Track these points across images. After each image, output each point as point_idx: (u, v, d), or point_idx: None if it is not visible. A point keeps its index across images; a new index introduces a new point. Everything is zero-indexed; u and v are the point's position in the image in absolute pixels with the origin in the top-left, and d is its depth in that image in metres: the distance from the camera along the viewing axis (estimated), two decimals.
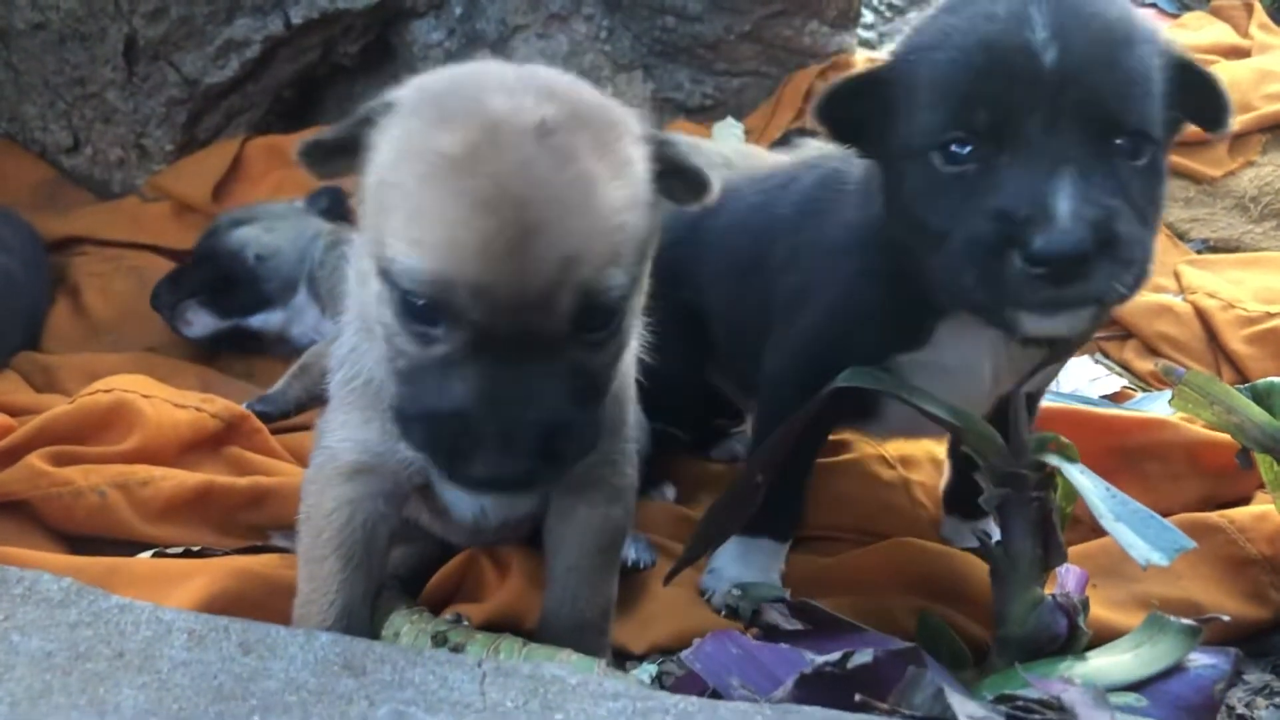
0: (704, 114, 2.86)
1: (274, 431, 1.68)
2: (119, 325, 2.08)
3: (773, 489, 1.22)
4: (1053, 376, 1.46)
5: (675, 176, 0.98)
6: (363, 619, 1.12)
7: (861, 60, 3.10)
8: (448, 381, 0.88)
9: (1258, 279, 2.24)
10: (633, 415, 1.19)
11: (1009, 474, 1.12)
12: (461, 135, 0.85)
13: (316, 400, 1.77)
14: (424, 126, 0.88)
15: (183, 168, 2.51)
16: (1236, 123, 2.66)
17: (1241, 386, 1.30)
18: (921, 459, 1.64)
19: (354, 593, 1.11)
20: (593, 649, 1.11)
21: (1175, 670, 1.02)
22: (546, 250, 0.84)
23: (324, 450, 1.11)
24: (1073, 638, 1.10)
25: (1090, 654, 1.08)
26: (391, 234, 0.88)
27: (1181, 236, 2.53)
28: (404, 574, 1.32)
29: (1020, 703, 0.91)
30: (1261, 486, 1.39)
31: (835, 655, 0.94)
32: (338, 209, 2.05)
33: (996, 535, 1.16)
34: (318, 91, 2.71)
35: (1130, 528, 1.05)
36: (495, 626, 1.18)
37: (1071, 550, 1.34)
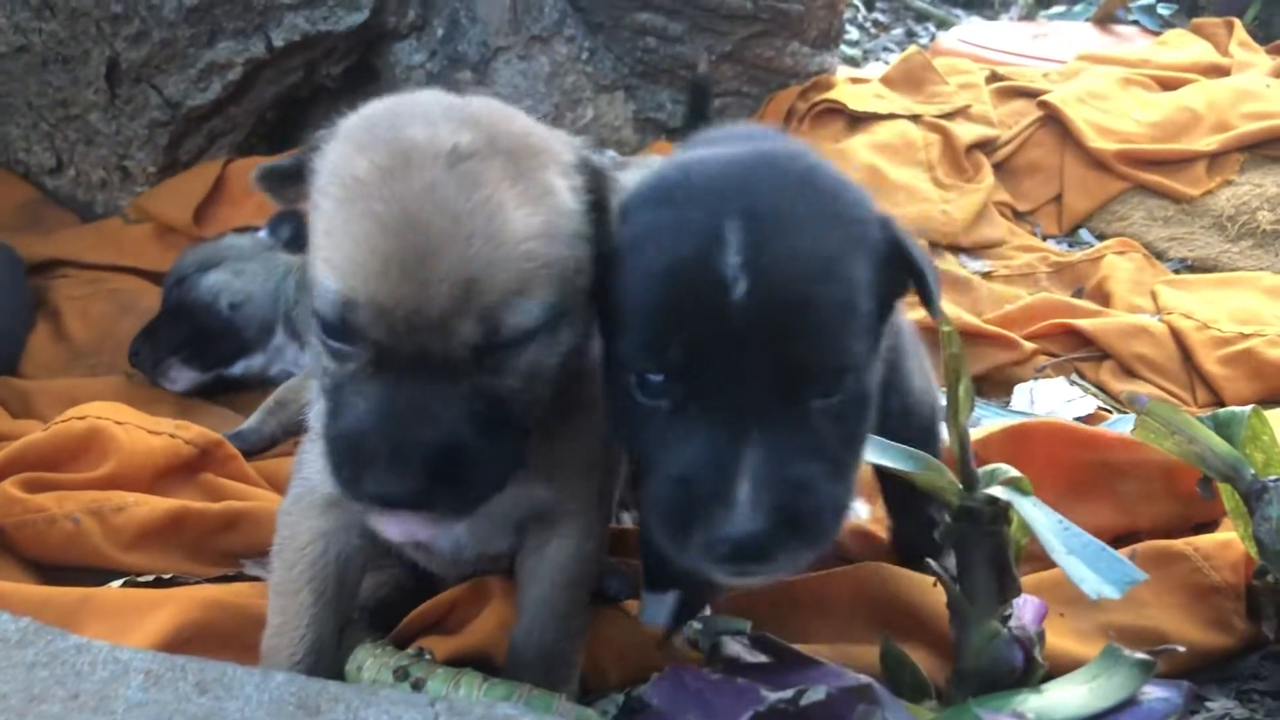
0: (686, 135, 2.88)
1: (248, 456, 1.69)
2: (98, 349, 2.08)
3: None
4: None
5: (607, 215, 0.98)
6: (331, 652, 1.13)
7: (844, 79, 3.13)
8: (352, 399, 0.90)
9: (1233, 299, 2.26)
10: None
11: (963, 508, 1.13)
12: (374, 159, 0.87)
13: (291, 434, 1.78)
14: (348, 152, 0.90)
15: (165, 189, 2.52)
16: (1214, 142, 2.71)
17: (1203, 416, 1.31)
18: None
19: (324, 627, 1.11)
20: (559, 681, 1.12)
21: (1128, 704, 1.03)
22: (445, 273, 0.85)
23: (302, 481, 1.12)
24: (1029, 670, 1.11)
25: (1046, 686, 1.09)
26: (313, 254, 0.91)
27: (1159, 256, 2.55)
28: (374, 606, 1.33)
29: None
30: (1228, 513, 1.40)
31: (789, 692, 0.95)
32: (300, 237, 2.06)
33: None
34: (300, 113, 2.72)
35: (1082, 560, 1.05)
36: (463, 661, 1.18)
37: (1036, 579, 1.36)
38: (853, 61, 3.97)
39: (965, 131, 2.81)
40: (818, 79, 2.98)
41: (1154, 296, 2.31)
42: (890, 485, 1.29)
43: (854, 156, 2.65)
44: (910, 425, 1.24)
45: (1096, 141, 2.76)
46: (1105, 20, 3.91)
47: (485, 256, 0.86)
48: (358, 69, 2.70)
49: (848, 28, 4.13)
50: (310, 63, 2.59)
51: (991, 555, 1.12)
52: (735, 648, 1.08)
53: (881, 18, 4.47)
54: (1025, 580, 1.20)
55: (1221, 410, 1.32)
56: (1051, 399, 1.99)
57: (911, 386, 1.27)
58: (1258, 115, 2.78)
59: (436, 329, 0.86)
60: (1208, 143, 2.73)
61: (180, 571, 1.43)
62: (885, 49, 4.20)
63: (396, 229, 0.85)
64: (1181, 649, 1.15)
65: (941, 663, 1.24)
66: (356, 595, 1.21)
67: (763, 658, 1.10)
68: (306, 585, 1.10)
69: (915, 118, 2.85)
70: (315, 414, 1.09)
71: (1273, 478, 1.24)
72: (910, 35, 4.32)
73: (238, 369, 2.04)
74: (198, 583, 1.38)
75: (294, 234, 2.09)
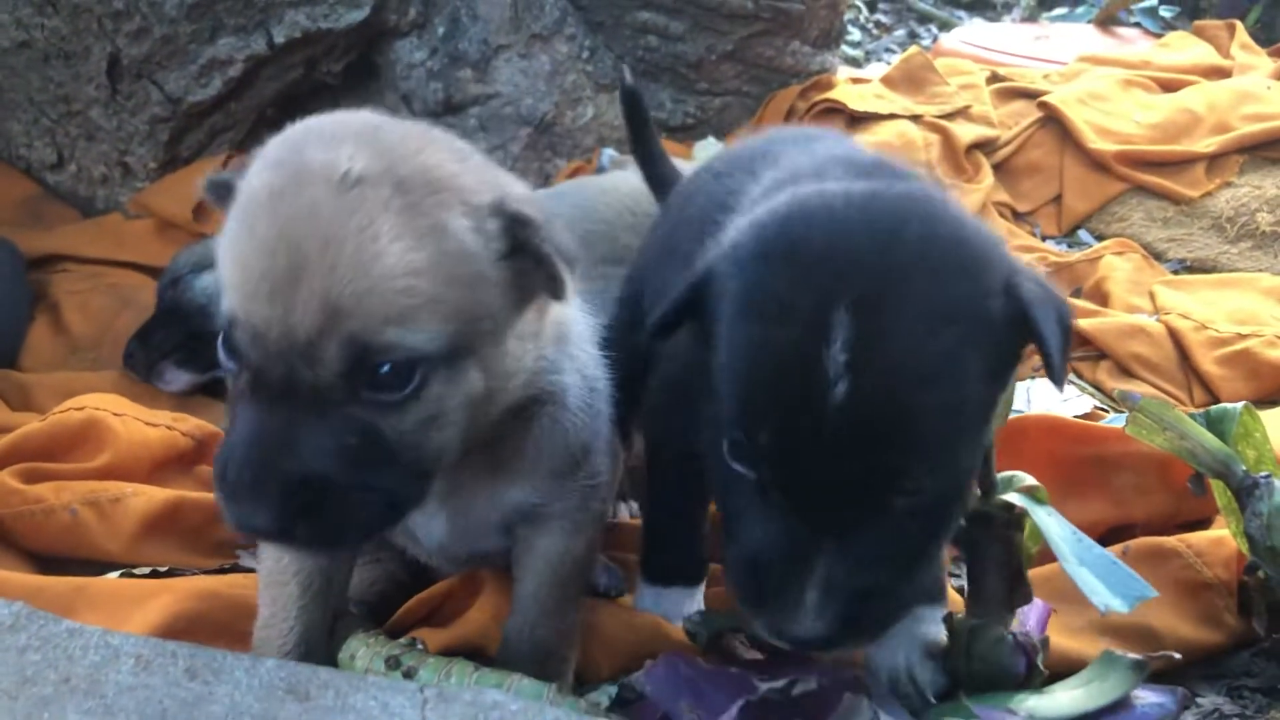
0: (686, 133, 2.88)
1: None
2: (97, 343, 2.09)
3: (667, 539, 1.26)
4: None
5: (531, 261, 0.94)
6: (321, 644, 1.14)
7: (844, 79, 3.13)
8: (234, 420, 0.89)
9: (1231, 300, 2.26)
10: (605, 446, 1.18)
11: (978, 513, 1.12)
12: (271, 179, 0.87)
13: None
14: (257, 169, 0.90)
15: (165, 185, 2.53)
16: (1214, 144, 2.71)
17: (1195, 412, 1.31)
18: None
19: (313, 618, 1.13)
20: (552, 674, 1.12)
21: (1121, 706, 1.03)
22: (310, 296, 0.83)
23: None
24: (1030, 676, 1.11)
25: (1043, 689, 1.09)
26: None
27: (1158, 257, 2.55)
28: (371, 599, 1.33)
29: None
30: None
31: (780, 682, 0.95)
32: None
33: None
34: (301, 110, 2.68)
35: (1093, 573, 1.05)
36: (455, 652, 1.19)
37: (1033, 574, 1.36)
38: (854, 62, 3.97)
39: (965, 132, 2.81)
40: (818, 79, 2.98)
41: (1152, 297, 2.31)
42: None
43: None
44: None
45: (1096, 142, 2.76)
46: (1107, 22, 3.91)
47: (354, 283, 0.84)
48: (359, 66, 2.70)
49: (849, 29, 4.13)
50: (311, 60, 2.60)
51: (1003, 561, 1.12)
52: (734, 643, 1.09)
53: (883, 19, 4.47)
54: None
55: (1213, 407, 1.32)
56: (1048, 397, 2.00)
57: None
58: (1258, 117, 2.78)
59: (303, 354, 0.85)
60: (1207, 144, 2.73)
61: (176, 562, 1.44)
62: (887, 50, 4.20)
63: (272, 249, 0.84)
64: (1177, 656, 1.15)
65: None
66: (346, 588, 1.22)
67: (757, 654, 1.10)
68: (294, 578, 1.12)
69: (915, 118, 2.85)
70: None
71: (1264, 474, 1.24)
72: (912, 36, 4.32)
73: None
74: (194, 574, 1.39)
75: None
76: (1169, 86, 3.07)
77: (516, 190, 0.97)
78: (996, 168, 2.79)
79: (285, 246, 0.84)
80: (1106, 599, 1.02)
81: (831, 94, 2.92)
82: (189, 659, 0.92)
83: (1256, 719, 1.22)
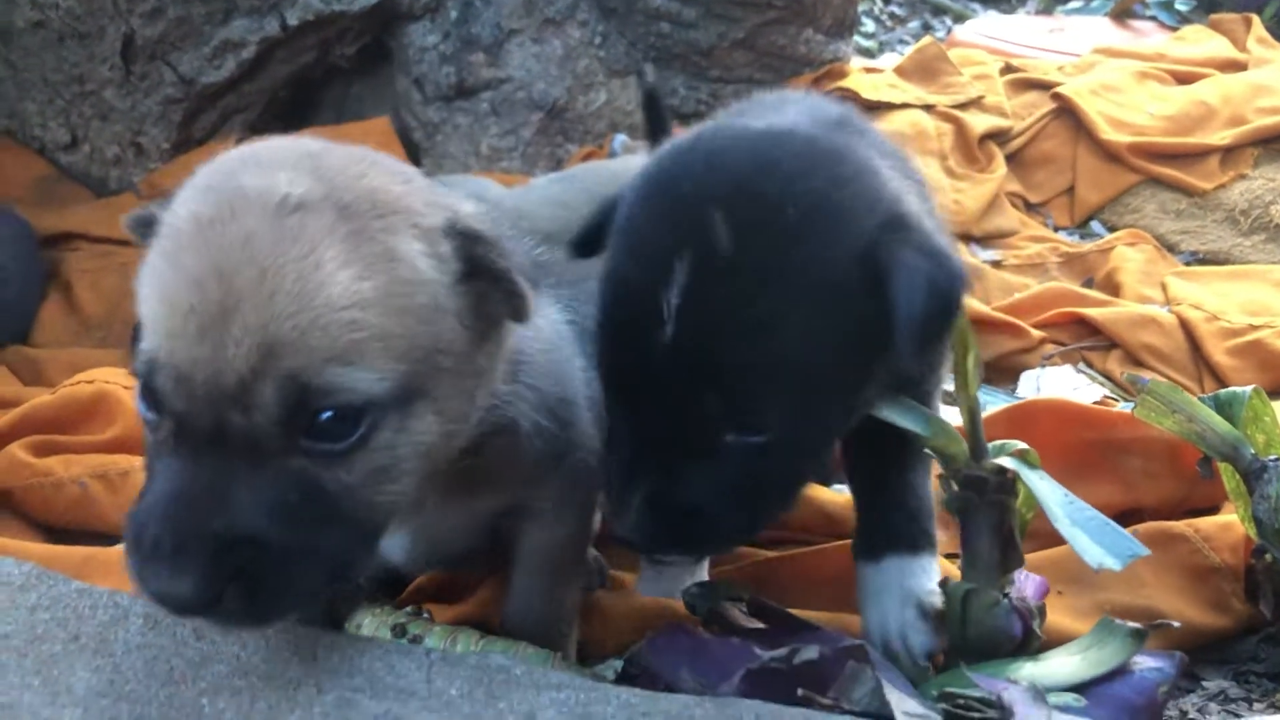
0: (698, 120, 2.87)
1: None
2: (108, 321, 2.10)
3: None
4: None
5: (489, 280, 0.87)
6: (321, 618, 1.13)
7: (857, 69, 3.13)
8: (152, 476, 0.80)
9: (1243, 291, 2.25)
10: (584, 439, 1.13)
11: (971, 477, 1.13)
12: (197, 208, 0.79)
13: None
14: (184, 199, 0.82)
15: (178, 166, 2.53)
16: (1229, 136, 2.70)
17: (1204, 396, 1.31)
18: None
19: None
20: (554, 648, 1.12)
21: (1120, 672, 1.03)
22: (244, 332, 0.75)
23: None
24: (1026, 641, 1.11)
25: (1040, 655, 1.09)
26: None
27: (1171, 249, 2.54)
28: (379, 575, 1.34)
29: (961, 701, 0.92)
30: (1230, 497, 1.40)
31: (782, 651, 0.95)
32: None
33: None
34: (313, 93, 2.74)
35: (1086, 533, 1.06)
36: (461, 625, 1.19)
37: (1036, 557, 1.36)
38: (868, 54, 3.96)
39: (978, 122, 2.81)
40: (831, 67, 2.98)
41: (1164, 288, 2.30)
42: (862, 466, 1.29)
43: None
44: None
45: (1110, 134, 2.74)
46: (1122, 15, 3.89)
47: (293, 318, 0.75)
48: (371, 50, 2.71)
49: (863, 20, 4.13)
50: (324, 42, 2.61)
51: (995, 525, 1.12)
52: (734, 613, 1.09)
53: (898, 11, 4.45)
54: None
55: (1223, 391, 1.31)
56: (1058, 386, 1.99)
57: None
58: (1273, 110, 2.76)
59: (234, 398, 0.76)
60: (1221, 137, 2.72)
61: None
62: (901, 42, 4.19)
63: (200, 281, 0.76)
64: (1176, 624, 1.15)
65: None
66: None
67: (758, 624, 1.10)
68: None
69: (928, 107, 2.84)
70: None
71: (1273, 457, 1.23)
72: (926, 28, 4.31)
73: None
74: None
75: None
76: (1184, 79, 3.05)
77: (467, 208, 0.90)
78: (1009, 158, 2.79)
79: (216, 278, 0.75)
80: (1100, 557, 1.02)
81: (844, 83, 2.91)
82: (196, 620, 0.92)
83: (1263, 703, 1.22)
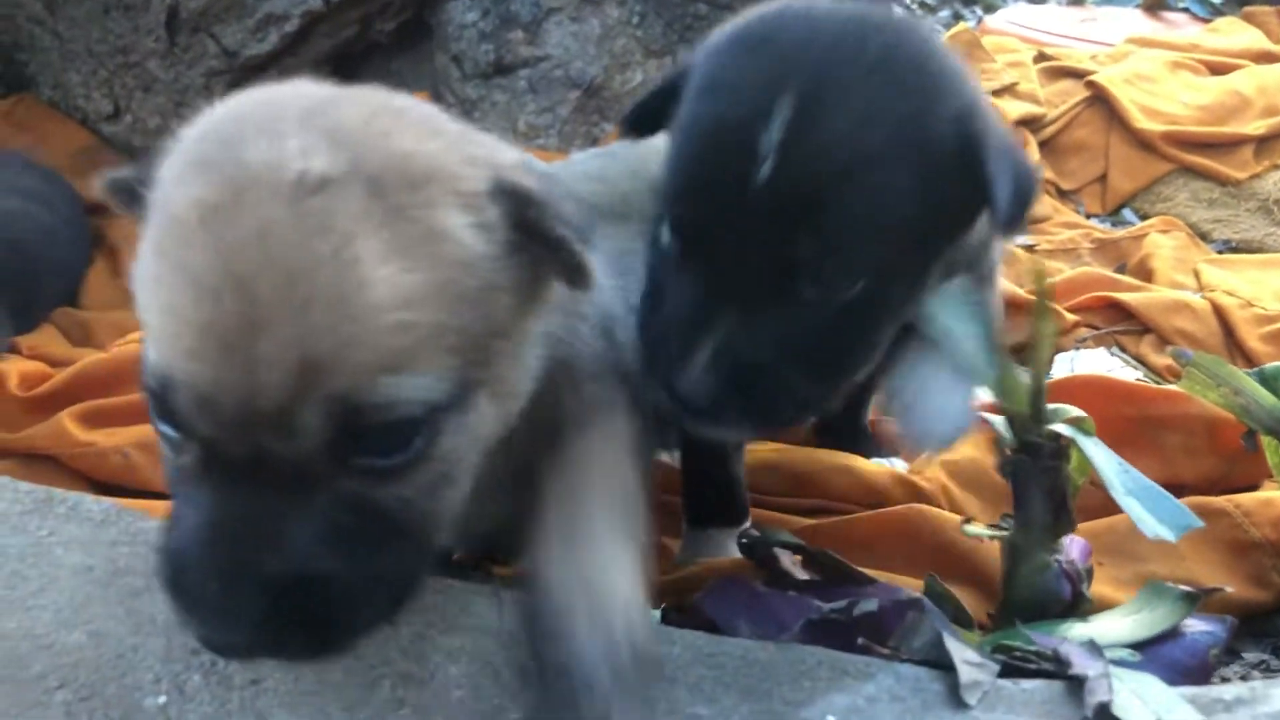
0: None
1: None
2: None
3: (703, 482, 1.27)
4: None
5: (545, 247, 0.75)
6: None
7: None
8: (183, 506, 0.69)
9: (1277, 279, 2.25)
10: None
11: (1026, 442, 1.13)
12: (197, 191, 0.66)
13: None
14: (175, 175, 0.70)
15: None
16: (1263, 126, 2.70)
17: (1250, 371, 1.32)
18: None
19: None
20: None
21: (1171, 634, 1.05)
22: (278, 351, 0.63)
23: None
24: (1075, 604, 1.13)
25: (1090, 618, 1.11)
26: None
27: (1203, 237, 2.54)
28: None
29: (1018, 653, 0.94)
30: (1271, 475, 1.41)
31: (841, 603, 0.97)
32: None
33: None
34: (354, 68, 2.76)
35: (1141, 503, 1.07)
36: None
37: (1078, 530, 1.38)
38: None
39: (1011, 108, 2.81)
40: None
41: (1197, 275, 2.30)
42: None
43: None
44: None
45: (1143, 123, 2.75)
46: (1154, 6, 3.88)
47: (330, 330, 0.64)
48: (411, 26, 2.73)
49: (896, 8, 4.12)
50: (365, 18, 2.63)
51: (1049, 489, 1.13)
52: (787, 562, 1.11)
53: (930, 0, 4.45)
54: None
55: (1268, 365, 1.32)
56: (1091, 369, 2.00)
57: None
58: None
59: (273, 424, 0.65)
60: (1255, 127, 2.72)
61: None
62: (932, 30, 4.18)
63: (215, 290, 0.63)
64: (1229, 589, 1.16)
65: (983, 601, 1.26)
66: None
67: (813, 575, 1.12)
68: None
69: None
70: None
71: None
72: (957, 17, 4.30)
73: None
74: None
75: None
76: (1218, 70, 3.05)
77: (507, 158, 0.77)
78: (1042, 145, 2.79)
79: (233, 286, 0.63)
80: (1155, 528, 1.03)
81: None
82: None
83: None
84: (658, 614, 1.19)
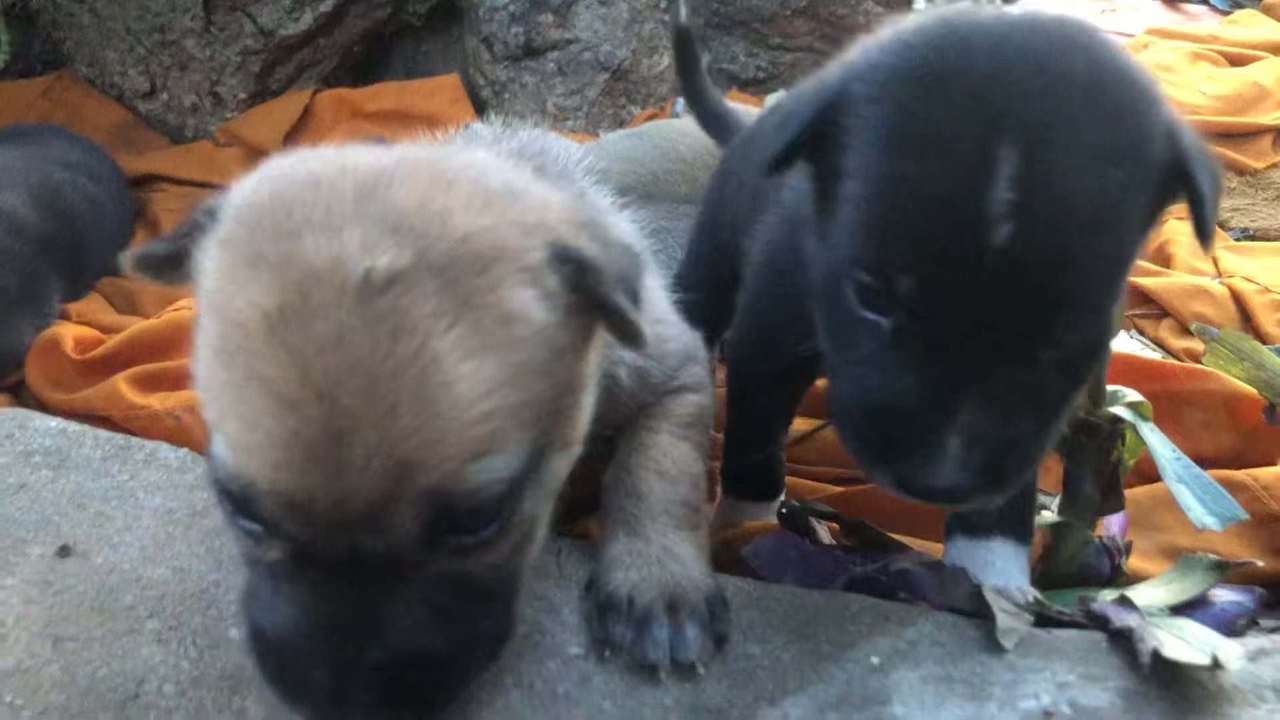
0: (758, 87, 2.93)
1: None
2: None
3: (742, 457, 1.28)
4: None
5: (602, 312, 0.77)
6: None
7: None
8: (273, 599, 0.70)
9: None
10: (684, 362, 1.13)
11: (1084, 422, 1.14)
12: (261, 296, 0.65)
13: None
14: (227, 270, 0.69)
15: (255, 115, 2.61)
16: None
17: (1273, 346, 1.36)
18: None
19: None
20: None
21: (1201, 602, 1.08)
22: (367, 456, 0.64)
23: None
24: (1113, 578, 1.16)
25: (1124, 589, 1.14)
26: (203, 405, 0.70)
27: (1221, 225, 2.57)
28: None
29: (1054, 610, 0.98)
30: None
31: (880, 562, 1.01)
32: None
33: None
34: (386, 49, 2.80)
35: (1190, 491, 1.10)
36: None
37: None
38: None
39: None
40: None
41: (1215, 261, 2.34)
42: None
43: None
44: None
45: None
46: None
47: (417, 431, 0.64)
48: (443, 8, 2.77)
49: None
50: (398, 0, 2.67)
51: (1100, 470, 1.15)
52: (823, 533, 1.15)
53: None
54: None
55: None
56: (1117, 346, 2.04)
57: None
58: None
59: (366, 523, 0.66)
60: (1274, 118, 2.75)
61: None
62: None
63: (295, 402, 0.64)
64: (1260, 563, 1.20)
65: None
66: None
67: (847, 543, 1.16)
68: None
69: None
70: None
71: None
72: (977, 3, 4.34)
73: None
74: None
75: None
76: (1237, 61, 3.08)
77: (557, 214, 0.77)
78: None
79: (314, 396, 0.63)
80: (1201, 516, 1.06)
81: None
82: None
83: None
84: None
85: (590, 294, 0.74)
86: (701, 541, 0.95)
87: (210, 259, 0.71)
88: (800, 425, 1.55)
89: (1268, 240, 2.53)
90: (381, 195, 0.69)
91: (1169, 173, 0.82)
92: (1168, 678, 0.88)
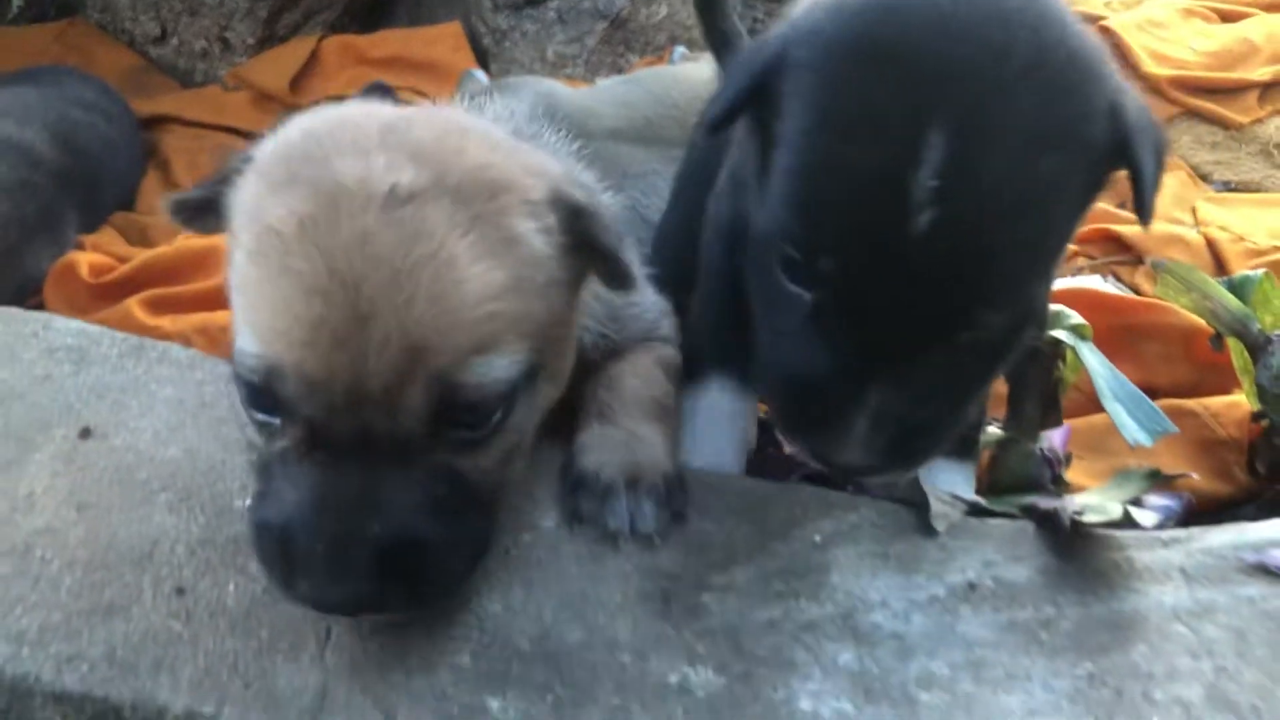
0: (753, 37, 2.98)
1: None
2: None
3: None
4: None
5: (593, 254, 0.87)
6: None
7: None
8: (281, 485, 0.77)
9: (1272, 218, 2.34)
10: (650, 308, 1.18)
11: (1030, 347, 1.16)
12: (295, 205, 0.76)
13: None
14: (264, 192, 0.79)
15: (263, 60, 2.68)
16: (1269, 73, 2.78)
17: (1220, 279, 1.43)
18: None
19: None
20: None
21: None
22: (385, 341, 0.73)
23: None
24: (1055, 486, 1.22)
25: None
26: (234, 308, 0.81)
27: (1204, 178, 2.63)
28: None
29: (992, 508, 1.06)
30: (1239, 384, 1.52)
31: None
32: None
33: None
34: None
35: (1124, 408, 1.17)
36: None
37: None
38: None
39: None
40: None
41: (1194, 212, 2.40)
42: None
43: None
44: None
45: (1151, 67, 2.81)
46: None
47: (433, 319, 0.74)
48: None
49: None
50: None
51: (1042, 388, 1.23)
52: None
53: None
54: None
55: (1237, 274, 1.44)
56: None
57: None
58: None
59: (380, 404, 0.74)
60: (1262, 73, 2.79)
61: None
62: None
63: (323, 290, 0.73)
64: (1195, 475, 1.27)
65: None
66: None
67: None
68: None
69: None
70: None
71: (1278, 333, 1.36)
72: None
73: None
74: None
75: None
76: (1229, 17, 3.11)
77: (557, 170, 0.88)
78: None
79: (342, 286, 0.73)
80: (1135, 433, 1.14)
81: None
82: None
83: None
84: None
85: (583, 237, 0.85)
86: (669, 433, 1.04)
87: (246, 186, 0.81)
88: None
89: (1248, 193, 2.59)
90: (403, 131, 0.80)
91: (1110, 151, 0.82)
92: (1086, 554, 0.97)
